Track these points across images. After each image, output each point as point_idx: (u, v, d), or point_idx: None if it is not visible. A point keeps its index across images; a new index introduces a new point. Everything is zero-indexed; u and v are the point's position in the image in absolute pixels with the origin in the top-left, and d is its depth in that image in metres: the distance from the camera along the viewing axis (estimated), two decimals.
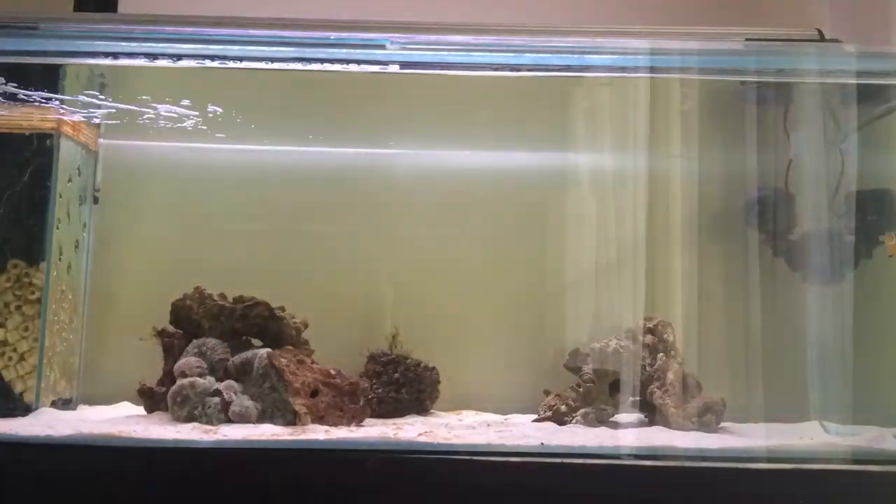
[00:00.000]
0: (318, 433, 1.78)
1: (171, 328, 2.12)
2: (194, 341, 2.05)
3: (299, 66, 2.02)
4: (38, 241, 2.05)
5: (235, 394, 1.91)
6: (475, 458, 1.64)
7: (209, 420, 1.87)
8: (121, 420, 1.95)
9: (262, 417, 1.89)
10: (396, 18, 2.14)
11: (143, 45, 1.96)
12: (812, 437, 1.86)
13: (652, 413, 2.02)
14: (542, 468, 1.63)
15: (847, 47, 1.98)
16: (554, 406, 2.05)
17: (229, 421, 1.88)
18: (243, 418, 1.87)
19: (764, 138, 2.09)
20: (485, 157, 2.47)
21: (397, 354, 2.22)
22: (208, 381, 1.93)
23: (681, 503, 1.64)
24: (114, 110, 2.19)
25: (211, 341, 2.02)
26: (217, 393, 1.91)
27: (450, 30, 1.98)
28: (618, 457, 1.70)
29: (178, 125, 2.25)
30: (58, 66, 2.08)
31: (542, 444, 1.73)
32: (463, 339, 2.37)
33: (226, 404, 1.89)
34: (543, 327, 2.34)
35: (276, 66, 2.03)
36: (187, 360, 1.98)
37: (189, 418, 1.88)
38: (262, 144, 2.41)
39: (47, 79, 2.07)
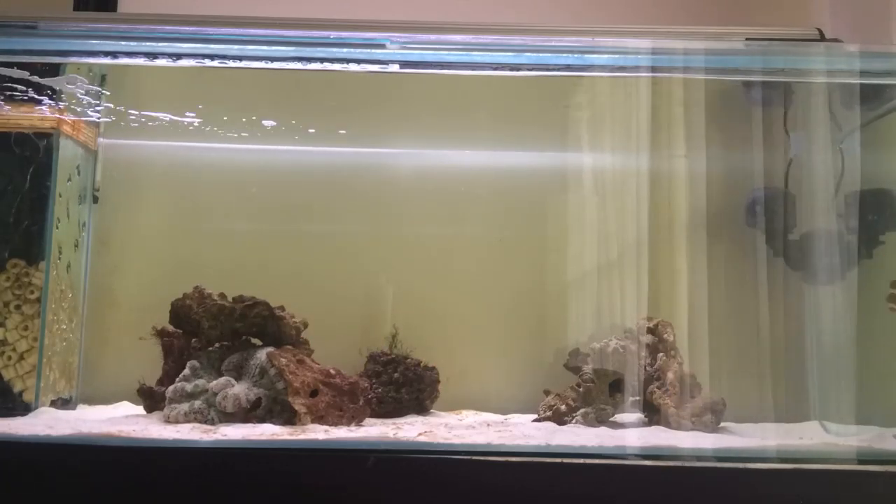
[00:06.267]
0: (317, 433, 1.78)
1: (170, 328, 2.12)
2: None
3: (299, 65, 2.02)
4: (37, 241, 2.05)
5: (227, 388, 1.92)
6: (475, 458, 1.64)
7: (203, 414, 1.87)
8: (120, 420, 1.95)
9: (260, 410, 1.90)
10: (396, 18, 2.14)
11: (143, 44, 1.96)
12: (812, 437, 1.86)
13: (652, 413, 2.02)
14: (542, 468, 1.63)
15: (847, 47, 1.98)
16: (554, 406, 2.05)
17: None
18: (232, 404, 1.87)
19: (764, 138, 2.08)
20: (485, 157, 2.47)
21: (397, 354, 2.22)
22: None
23: (681, 503, 1.64)
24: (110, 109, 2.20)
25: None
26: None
27: (449, 29, 1.98)
28: (618, 457, 1.69)
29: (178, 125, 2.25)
30: (57, 65, 2.08)
31: (547, 444, 1.73)
32: (463, 339, 2.37)
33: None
34: (543, 327, 2.34)
35: (276, 65, 2.03)
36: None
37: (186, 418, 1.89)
38: (262, 144, 2.41)
39: (47, 78, 2.07)
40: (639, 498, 1.63)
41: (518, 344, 2.36)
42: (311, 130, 2.40)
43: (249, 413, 1.89)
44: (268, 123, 2.37)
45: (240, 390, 1.89)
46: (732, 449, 1.76)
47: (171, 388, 1.95)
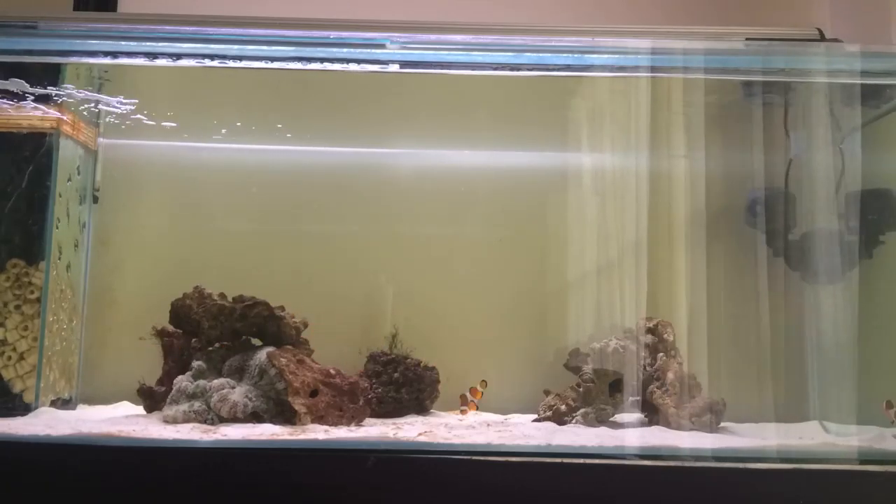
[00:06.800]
0: (317, 433, 1.78)
1: (170, 328, 2.12)
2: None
3: (299, 65, 2.02)
4: (37, 241, 2.05)
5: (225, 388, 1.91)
6: (475, 458, 1.64)
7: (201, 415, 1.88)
8: (120, 420, 1.95)
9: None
10: (396, 18, 2.14)
11: (143, 44, 1.96)
12: (812, 437, 1.86)
13: (652, 413, 2.02)
14: (542, 468, 1.63)
15: (847, 47, 1.98)
16: (554, 406, 2.05)
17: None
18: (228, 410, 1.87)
19: (764, 138, 2.08)
20: (485, 157, 2.47)
21: (397, 354, 2.22)
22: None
23: (681, 503, 1.64)
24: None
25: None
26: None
27: (449, 29, 1.98)
28: (618, 457, 1.69)
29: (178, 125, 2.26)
30: (57, 65, 2.08)
31: (547, 444, 1.74)
32: (463, 339, 2.37)
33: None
34: (543, 327, 2.34)
35: (276, 65, 2.03)
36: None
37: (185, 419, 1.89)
38: (262, 144, 2.41)
39: (47, 78, 2.07)
40: (639, 498, 1.63)
41: (518, 344, 2.36)
42: (308, 132, 2.41)
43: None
44: (268, 123, 2.37)
45: (238, 398, 1.88)
46: (732, 449, 1.76)
47: (175, 384, 1.94)
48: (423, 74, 2.09)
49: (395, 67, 2.03)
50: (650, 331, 2.11)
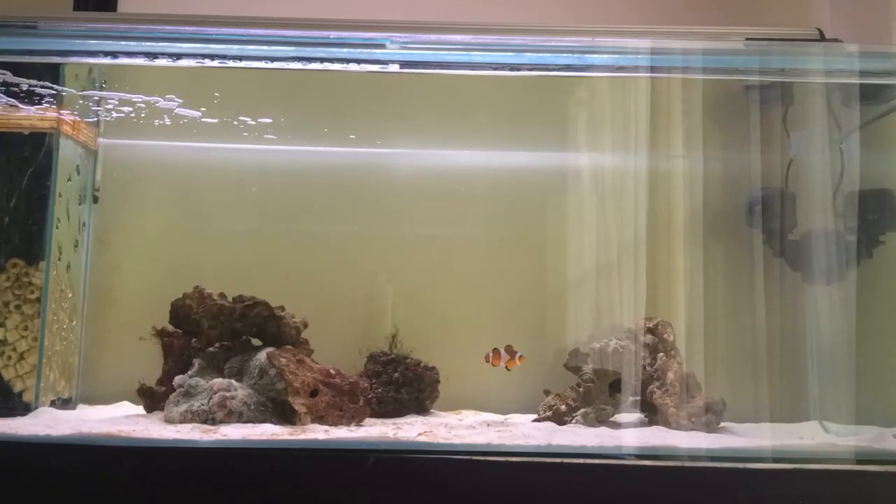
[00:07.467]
0: (317, 433, 1.78)
1: (170, 328, 2.12)
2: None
3: (299, 65, 2.02)
4: (37, 241, 2.05)
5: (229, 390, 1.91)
6: (475, 458, 1.64)
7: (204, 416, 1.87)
8: (120, 419, 1.95)
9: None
10: (396, 18, 2.14)
11: (143, 44, 1.97)
12: (812, 437, 1.86)
13: (652, 413, 2.02)
14: (542, 468, 1.63)
15: (847, 47, 1.98)
16: (554, 406, 2.05)
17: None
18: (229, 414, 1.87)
19: (764, 138, 2.08)
20: (485, 157, 2.47)
21: (397, 354, 2.22)
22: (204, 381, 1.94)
23: (680, 503, 1.64)
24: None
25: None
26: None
27: (449, 29, 1.98)
28: (618, 456, 1.69)
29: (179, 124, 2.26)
30: (57, 65, 2.08)
31: (547, 444, 1.74)
32: (463, 339, 2.37)
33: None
34: (543, 327, 2.34)
35: (276, 65, 2.03)
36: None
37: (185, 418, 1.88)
38: (262, 144, 2.41)
39: (47, 78, 2.07)
40: (639, 498, 1.63)
41: (518, 344, 2.36)
42: (311, 131, 2.41)
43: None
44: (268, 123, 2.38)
45: (236, 406, 1.88)
46: (732, 449, 1.76)
47: (175, 384, 1.94)
48: (423, 74, 2.09)
49: (395, 67, 2.03)
50: (650, 331, 2.10)
